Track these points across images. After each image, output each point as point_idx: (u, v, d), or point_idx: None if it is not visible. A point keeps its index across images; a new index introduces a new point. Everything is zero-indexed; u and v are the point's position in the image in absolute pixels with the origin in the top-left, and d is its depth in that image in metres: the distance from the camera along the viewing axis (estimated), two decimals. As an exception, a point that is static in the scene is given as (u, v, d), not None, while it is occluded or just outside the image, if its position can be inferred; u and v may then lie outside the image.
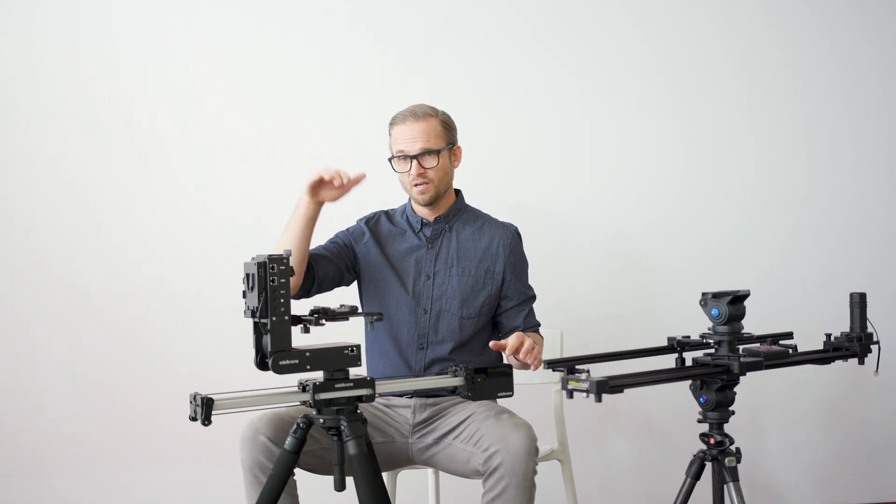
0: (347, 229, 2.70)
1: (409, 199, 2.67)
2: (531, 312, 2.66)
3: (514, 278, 2.63)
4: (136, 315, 3.36)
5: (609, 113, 3.54)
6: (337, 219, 2.90)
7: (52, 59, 3.32)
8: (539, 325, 2.67)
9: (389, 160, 2.60)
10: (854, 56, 3.63)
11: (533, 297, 2.68)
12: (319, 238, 2.60)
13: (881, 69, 3.64)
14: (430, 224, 2.64)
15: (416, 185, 2.56)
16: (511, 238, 2.66)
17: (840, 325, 2.44)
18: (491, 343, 2.30)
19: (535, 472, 2.32)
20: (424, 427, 2.52)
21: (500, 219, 2.72)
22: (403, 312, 2.57)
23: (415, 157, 2.53)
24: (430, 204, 2.60)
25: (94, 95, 3.35)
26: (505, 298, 2.63)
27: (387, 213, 2.72)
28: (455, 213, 2.66)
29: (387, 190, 2.82)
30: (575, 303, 3.49)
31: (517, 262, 2.66)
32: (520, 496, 2.28)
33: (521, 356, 2.28)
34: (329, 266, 2.57)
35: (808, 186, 3.61)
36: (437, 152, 2.54)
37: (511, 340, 2.29)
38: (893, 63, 3.65)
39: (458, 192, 2.70)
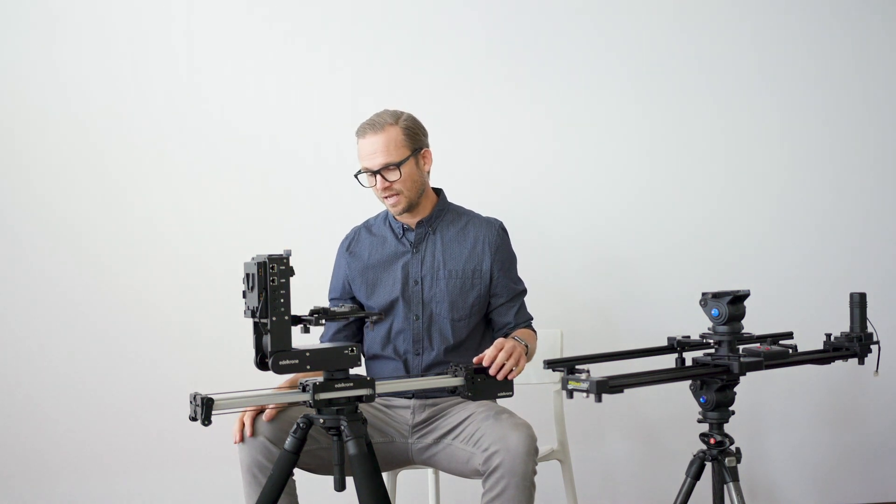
0: (337, 263, 2.69)
1: None
2: (522, 307, 2.63)
3: (502, 275, 2.60)
4: (136, 315, 3.35)
5: (611, 111, 3.53)
6: (336, 219, 2.91)
7: (50, 66, 3.33)
8: (531, 319, 2.64)
9: (355, 176, 2.56)
10: (857, 55, 3.63)
11: (523, 292, 2.65)
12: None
13: (886, 66, 3.64)
14: (412, 229, 2.61)
15: (385, 198, 2.54)
16: (496, 235, 2.62)
17: (840, 325, 2.43)
18: (474, 359, 2.26)
19: (534, 472, 2.31)
20: (424, 427, 2.52)
21: (485, 214, 2.68)
22: (397, 320, 2.56)
23: (377, 172, 2.50)
24: (407, 212, 2.57)
25: (88, 98, 3.34)
26: (494, 296, 2.59)
27: (366, 226, 2.70)
28: (437, 214, 2.62)
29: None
30: (575, 303, 3.49)
31: (504, 258, 2.62)
32: (519, 496, 2.27)
33: (492, 371, 2.24)
34: (351, 326, 2.64)
35: (808, 186, 3.60)
36: (399, 165, 2.49)
37: (489, 353, 2.25)
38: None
39: (439, 191, 2.66)
